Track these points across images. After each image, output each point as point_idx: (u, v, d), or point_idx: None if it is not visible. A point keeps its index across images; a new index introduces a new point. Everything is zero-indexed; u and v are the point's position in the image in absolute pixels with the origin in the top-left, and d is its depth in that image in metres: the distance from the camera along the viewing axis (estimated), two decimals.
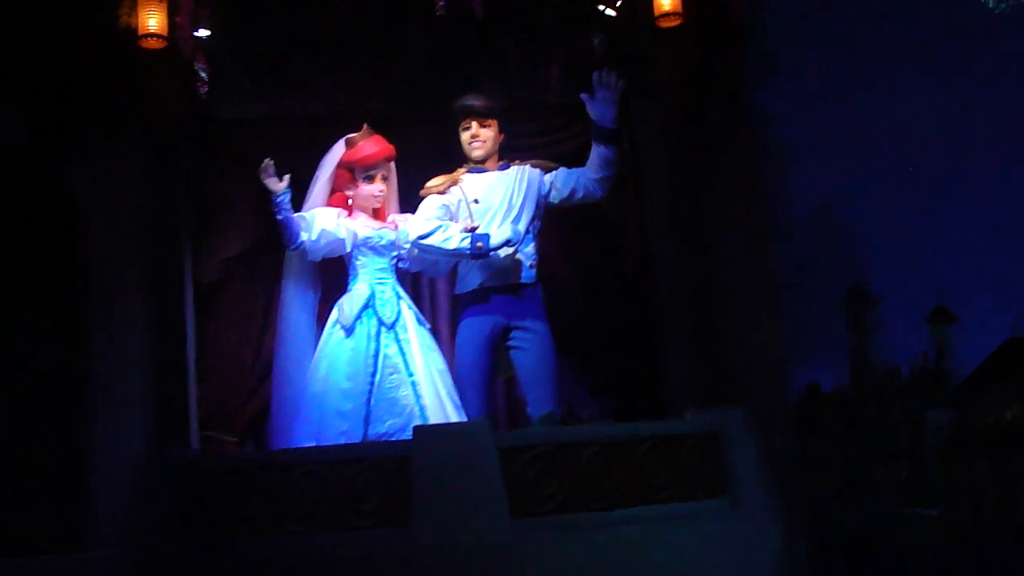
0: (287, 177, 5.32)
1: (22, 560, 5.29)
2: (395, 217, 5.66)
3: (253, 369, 6.51)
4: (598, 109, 5.52)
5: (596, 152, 5.59)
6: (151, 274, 6.40)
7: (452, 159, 5.88)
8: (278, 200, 5.28)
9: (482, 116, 5.57)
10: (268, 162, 5.28)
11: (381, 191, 5.60)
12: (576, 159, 5.95)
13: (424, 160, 6.07)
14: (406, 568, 4.42)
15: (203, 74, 6.00)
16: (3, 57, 6.12)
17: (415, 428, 4.62)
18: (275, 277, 6.57)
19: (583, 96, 5.52)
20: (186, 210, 6.54)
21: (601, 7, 6.32)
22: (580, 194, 5.65)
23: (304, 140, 6.11)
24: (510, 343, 5.50)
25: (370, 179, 5.56)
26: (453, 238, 5.34)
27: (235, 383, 6.48)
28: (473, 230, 5.33)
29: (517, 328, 5.47)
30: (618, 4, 6.31)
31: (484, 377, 5.47)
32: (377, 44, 6.47)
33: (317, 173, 5.57)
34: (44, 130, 6.30)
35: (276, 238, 6.55)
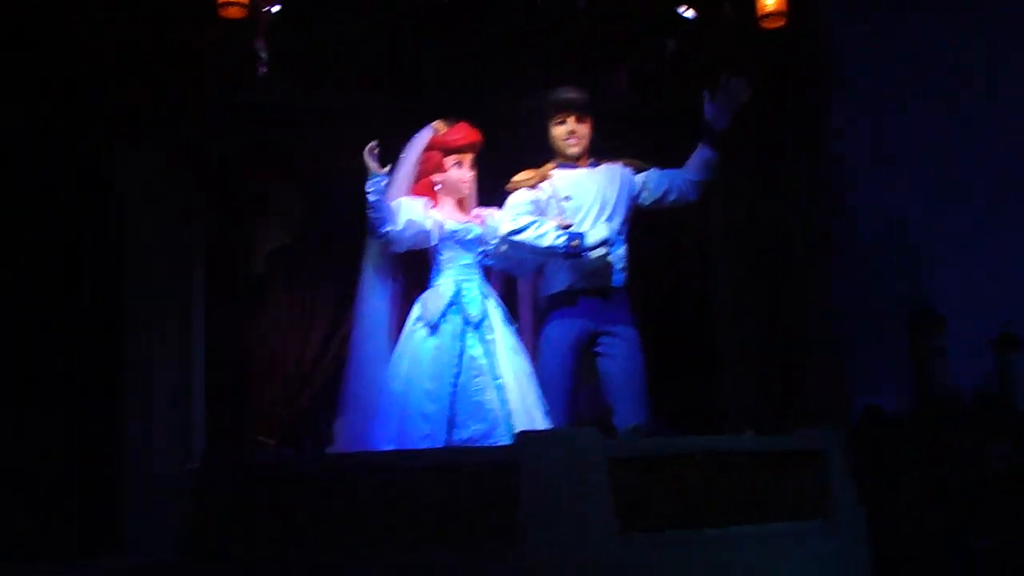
0: (388, 166, 4.98)
1: (66, 564, 4.98)
2: (480, 211, 5.32)
3: (297, 369, 6.22)
4: (714, 111, 5.28)
5: (700, 154, 5.34)
6: (193, 267, 6.12)
7: (513, 160, 5.62)
8: (376, 179, 4.90)
9: (581, 111, 5.27)
10: (374, 143, 4.94)
11: (471, 177, 5.26)
12: None
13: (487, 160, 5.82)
14: None
15: (263, 54, 5.76)
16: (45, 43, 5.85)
17: (520, 433, 4.32)
18: (322, 274, 6.31)
19: (704, 93, 5.27)
20: (226, 200, 6.27)
21: (681, 8, 6.13)
22: (672, 196, 5.38)
23: (352, 135, 5.82)
24: (597, 349, 5.22)
25: (460, 164, 5.22)
26: (547, 235, 5.04)
27: (278, 384, 6.20)
28: (568, 227, 5.03)
29: (605, 334, 5.19)
30: (699, 4, 6.12)
31: (568, 383, 5.18)
32: (442, 43, 6.24)
33: (402, 157, 5.20)
34: (83, 113, 6.00)
35: (324, 235, 6.23)
